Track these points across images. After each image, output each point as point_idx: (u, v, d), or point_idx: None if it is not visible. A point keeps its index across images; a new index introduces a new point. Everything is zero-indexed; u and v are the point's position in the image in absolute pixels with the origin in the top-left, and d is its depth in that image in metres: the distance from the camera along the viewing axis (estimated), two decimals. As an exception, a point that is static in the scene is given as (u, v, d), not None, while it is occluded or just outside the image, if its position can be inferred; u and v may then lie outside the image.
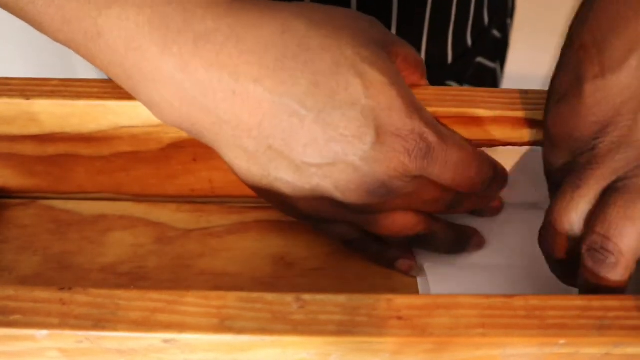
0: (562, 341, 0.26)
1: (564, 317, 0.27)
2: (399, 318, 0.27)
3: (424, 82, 0.37)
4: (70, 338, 0.27)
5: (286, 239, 0.39)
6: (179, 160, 0.38)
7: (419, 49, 0.54)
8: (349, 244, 0.37)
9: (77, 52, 0.32)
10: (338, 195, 0.31)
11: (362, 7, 0.50)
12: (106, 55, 0.31)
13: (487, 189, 0.34)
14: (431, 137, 0.31)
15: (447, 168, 0.32)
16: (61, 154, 0.38)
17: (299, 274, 0.38)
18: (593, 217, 0.30)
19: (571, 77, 0.31)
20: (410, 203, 0.33)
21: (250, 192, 0.40)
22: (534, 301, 0.27)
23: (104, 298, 0.27)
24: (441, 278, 0.37)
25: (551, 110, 0.32)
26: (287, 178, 0.31)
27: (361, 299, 0.27)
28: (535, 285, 0.36)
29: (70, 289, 0.27)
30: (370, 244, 0.37)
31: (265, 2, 0.31)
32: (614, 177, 0.30)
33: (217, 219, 0.40)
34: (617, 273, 0.30)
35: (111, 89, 0.36)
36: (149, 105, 0.32)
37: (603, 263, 0.30)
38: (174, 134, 0.37)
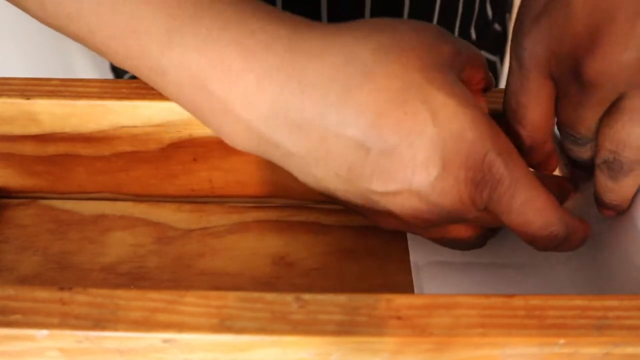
0: (561, 341, 0.26)
1: (563, 317, 0.27)
2: (399, 318, 0.27)
3: (487, 82, 0.34)
4: (70, 338, 0.27)
5: (286, 239, 0.39)
6: (179, 160, 0.38)
7: None
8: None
9: (143, 79, 0.32)
10: (402, 217, 0.31)
11: (375, 6, 0.50)
12: (173, 90, 0.31)
13: (551, 249, 0.31)
14: (501, 168, 0.29)
15: (512, 206, 0.30)
16: (61, 153, 0.38)
17: (299, 273, 0.38)
18: (601, 134, 0.31)
19: None
20: (473, 224, 0.33)
21: (250, 192, 0.40)
22: (534, 301, 0.27)
23: (104, 298, 0.27)
24: (436, 277, 0.37)
25: (529, 30, 0.31)
26: (353, 200, 0.31)
27: (361, 298, 0.27)
28: (533, 285, 0.36)
29: (70, 288, 0.27)
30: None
31: (329, 28, 0.31)
32: (615, 96, 0.29)
33: (217, 218, 0.40)
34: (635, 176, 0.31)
35: (111, 88, 0.36)
36: (220, 135, 0.32)
37: (619, 172, 0.31)
38: (174, 134, 0.37)
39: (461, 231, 0.34)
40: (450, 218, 0.31)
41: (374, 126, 0.29)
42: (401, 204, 0.30)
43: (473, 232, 0.34)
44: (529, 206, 0.30)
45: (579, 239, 0.32)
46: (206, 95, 0.30)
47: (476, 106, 0.30)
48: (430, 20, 0.53)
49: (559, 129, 0.33)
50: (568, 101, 0.31)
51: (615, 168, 0.31)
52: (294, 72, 0.29)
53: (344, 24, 0.31)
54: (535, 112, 0.32)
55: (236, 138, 0.31)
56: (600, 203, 0.34)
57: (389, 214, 0.31)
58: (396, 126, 0.29)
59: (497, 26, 0.62)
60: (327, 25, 0.31)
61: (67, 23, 0.32)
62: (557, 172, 0.37)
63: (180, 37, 0.30)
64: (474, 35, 0.58)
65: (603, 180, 0.32)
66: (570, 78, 0.30)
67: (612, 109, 0.30)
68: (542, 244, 0.31)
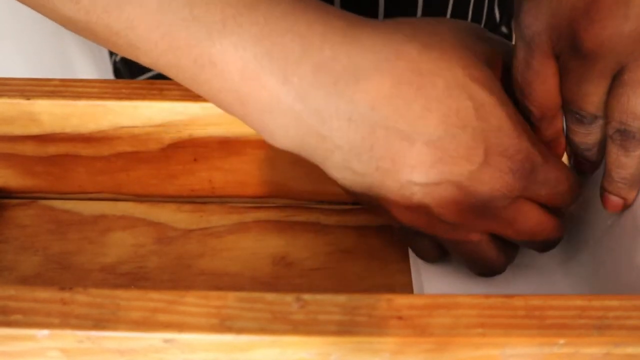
0: (561, 341, 0.26)
1: (563, 317, 0.27)
2: (399, 318, 0.27)
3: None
4: (70, 338, 0.27)
5: (286, 239, 0.39)
6: (179, 160, 0.38)
7: None
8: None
9: (177, 76, 0.31)
10: (436, 211, 0.31)
11: (388, 11, 0.50)
12: (217, 82, 0.31)
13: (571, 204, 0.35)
14: (536, 157, 0.31)
15: (545, 185, 0.32)
16: (61, 154, 0.38)
17: (299, 273, 0.38)
18: (609, 107, 0.31)
19: None
20: (501, 230, 0.33)
21: (250, 192, 0.40)
22: (534, 301, 0.27)
23: (104, 298, 0.27)
24: (436, 277, 0.37)
25: (528, 7, 0.32)
26: (388, 195, 0.31)
27: (361, 298, 0.27)
28: (533, 285, 0.36)
29: (70, 288, 0.27)
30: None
31: (380, 25, 0.31)
32: (617, 67, 0.30)
33: (217, 219, 0.40)
34: None
35: (111, 89, 0.36)
36: (261, 131, 0.32)
37: (632, 141, 0.31)
38: (174, 134, 0.37)
39: (485, 248, 0.34)
40: (483, 210, 0.32)
41: (422, 118, 0.30)
42: (439, 196, 0.31)
43: (496, 252, 0.34)
44: (559, 181, 0.33)
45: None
46: (257, 86, 0.30)
47: (511, 103, 0.32)
48: None
49: (564, 109, 0.33)
50: (571, 76, 0.32)
51: (628, 137, 0.31)
52: (349, 64, 0.30)
53: (391, 22, 0.32)
54: (541, 88, 0.32)
55: (280, 133, 0.31)
56: (608, 185, 0.33)
57: (422, 208, 0.32)
58: (442, 120, 0.30)
59: (504, 29, 0.62)
60: (376, 21, 0.32)
61: (102, 16, 0.30)
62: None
63: (237, 25, 0.30)
64: None
65: (615, 153, 0.32)
66: (571, 52, 0.31)
67: (616, 82, 0.31)
68: (568, 203, 0.34)
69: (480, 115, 0.30)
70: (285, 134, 0.31)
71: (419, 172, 0.30)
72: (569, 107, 0.33)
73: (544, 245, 0.35)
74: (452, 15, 0.54)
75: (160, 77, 0.36)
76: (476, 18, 0.56)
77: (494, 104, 0.31)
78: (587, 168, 0.35)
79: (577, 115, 0.33)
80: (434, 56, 0.31)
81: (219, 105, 0.32)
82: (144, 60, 0.31)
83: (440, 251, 0.36)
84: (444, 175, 0.30)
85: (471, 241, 0.33)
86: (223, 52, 0.30)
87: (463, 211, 0.31)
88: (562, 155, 0.36)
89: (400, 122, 0.30)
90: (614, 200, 0.34)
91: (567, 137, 0.34)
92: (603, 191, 0.34)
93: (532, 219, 0.33)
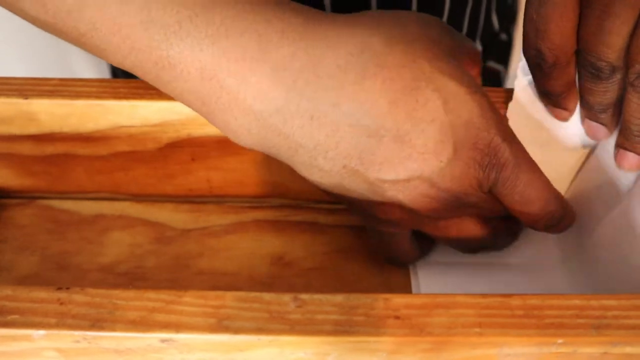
0: (560, 340, 0.26)
1: (561, 317, 0.27)
2: (397, 317, 0.27)
3: (478, 71, 0.35)
4: (67, 338, 0.27)
5: (284, 239, 0.39)
6: (177, 160, 0.38)
7: None
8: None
9: (144, 77, 0.31)
10: (410, 206, 0.31)
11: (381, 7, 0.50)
12: (178, 84, 0.30)
13: (550, 227, 0.33)
14: (506, 153, 0.30)
15: (515, 188, 0.31)
16: (60, 153, 0.38)
17: (297, 273, 0.38)
18: (633, 47, 0.30)
19: None
20: (481, 214, 0.33)
21: (248, 192, 0.40)
22: (532, 300, 0.27)
23: (102, 298, 0.27)
24: (434, 276, 0.37)
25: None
26: (359, 190, 0.31)
27: (358, 298, 0.27)
28: (531, 285, 0.36)
29: (68, 288, 0.27)
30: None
31: (340, 18, 0.31)
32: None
33: (215, 218, 0.40)
34: None
35: (110, 88, 0.36)
36: (224, 131, 0.31)
37: None
38: (172, 134, 0.37)
39: (469, 227, 0.34)
40: (458, 204, 0.31)
41: (388, 113, 0.29)
42: (411, 192, 0.30)
43: (481, 228, 0.34)
44: (531, 186, 0.31)
45: (571, 218, 0.34)
46: (216, 87, 0.30)
47: (483, 94, 0.31)
48: None
49: (579, 64, 0.32)
50: (592, 12, 0.30)
51: None
52: (309, 61, 0.29)
53: (352, 15, 0.31)
54: (558, 25, 0.31)
55: (243, 132, 0.31)
56: (625, 141, 0.32)
57: (396, 205, 0.31)
58: (409, 114, 0.29)
59: (503, 35, 0.62)
60: (336, 15, 0.31)
61: (67, 19, 0.31)
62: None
63: (193, 26, 0.29)
64: (480, 47, 0.58)
65: (635, 103, 0.31)
66: None
67: None
68: (542, 223, 0.33)
69: (448, 108, 0.29)
70: (248, 133, 0.31)
71: (388, 169, 0.30)
72: (586, 56, 0.31)
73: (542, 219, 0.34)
74: (448, 22, 0.53)
75: None
76: (473, 25, 0.56)
77: (464, 95, 0.30)
78: (600, 133, 0.34)
79: (593, 69, 0.31)
80: (399, 48, 0.30)
81: (186, 104, 0.32)
82: (112, 60, 0.31)
83: (418, 250, 0.36)
84: (414, 172, 0.30)
85: (452, 227, 0.33)
86: (181, 53, 0.29)
87: (437, 206, 0.31)
88: (574, 110, 0.34)
89: (365, 118, 0.29)
90: (631, 158, 0.33)
91: (582, 99, 0.33)
92: (618, 149, 0.33)
93: (516, 201, 0.32)
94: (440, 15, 0.53)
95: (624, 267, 0.33)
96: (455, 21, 0.54)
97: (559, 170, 0.37)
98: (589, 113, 0.33)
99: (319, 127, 0.30)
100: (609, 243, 0.34)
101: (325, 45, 0.30)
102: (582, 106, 0.34)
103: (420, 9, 0.51)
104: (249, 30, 0.29)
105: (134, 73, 0.32)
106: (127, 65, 0.31)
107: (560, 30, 0.31)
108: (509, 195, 0.31)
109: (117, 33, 0.30)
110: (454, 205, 0.31)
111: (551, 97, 0.34)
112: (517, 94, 0.35)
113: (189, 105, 0.32)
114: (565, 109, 0.34)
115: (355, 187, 0.31)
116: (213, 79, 0.30)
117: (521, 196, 0.31)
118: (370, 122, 0.29)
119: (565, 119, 0.35)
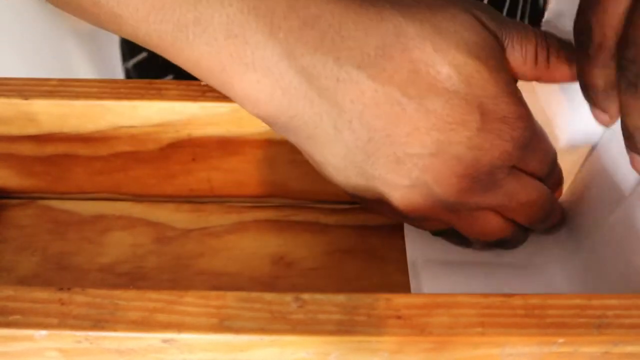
0: (561, 340, 0.26)
1: (563, 316, 0.27)
2: (398, 317, 0.27)
3: (543, 52, 0.32)
4: (69, 338, 0.27)
5: (285, 239, 0.39)
6: (178, 160, 0.38)
7: None
8: (436, 234, 0.37)
9: (158, 46, 0.30)
10: (437, 189, 0.31)
11: None
12: (198, 46, 0.30)
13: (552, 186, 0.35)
14: (535, 125, 0.31)
15: (540, 156, 0.32)
16: (60, 154, 0.38)
17: (298, 273, 0.38)
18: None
19: None
20: (503, 204, 0.33)
21: (249, 192, 0.40)
22: (533, 300, 0.27)
23: (103, 298, 0.27)
24: (434, 276, 0.37)
25: None
26: (384, 175, 0.30)
27: (360, 298, 0.27)
28: (533, 284, 0.36)
29: (69, 289, 0.27)
30: (454, 240, 0.37)
31: None
32: None
33: (216, 218, 0.40)
34: None
35: (110, 89, 0.36)
36: (242, 98, 0.31)
37: None
38: (172, 134, 0.37)
39: (494, 220, 0.33)
40: (485, 183, 0.31)
41: (410, 82, 0.29)
42: (438, 170, 0.30)
43: (504, 223, 0.34)
44: (548, 152, 0.33)
45: (560, 215, 0.36)
46: (240, 44, 0.29)
47: (507, 72, 0.30)
48: None
49: (620, 62, 0.28)
50: None
51: None
52: (334, 22, 0.29)
53: None
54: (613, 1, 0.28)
55: (263, 98, 0.30)
56: None
57: (421, 188, 0.31)
58: (432, 84, 0.29)
59: None
60: None
61: None
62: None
63: None
64: None
65: None
66: None
67: None
68: (557, 183, 0.35)
69: (473, 82, 0.29)
70: (270, 98, 0.30)
71: (414, 140, 0.29)
72: (628, 49, 0.28)
73: (547, 218, 0.34)
74: None
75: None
76: None
77: (488, 73, 0.29)
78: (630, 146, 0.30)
79: (632, 74, 0.27)
80: (419, 18, 0.29)
81: (198, 73, 0.31)
82: (125, 30, 0.30)
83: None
84: (441, 145, 0.29)
85: (478, 218, 0.33)
86: (208, 8, 0.29)
87: (465, 185, 0.30)
88: (615, 117, 0.31)
89: (388, 85, 0.29)
90: None
91: (621, 122, 0.29)
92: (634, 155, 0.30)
93: (532, 190, 0.32)
94: None
95: (624, 267, 0.33)
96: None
97: None
98: (630, 142, 0.29)
99: (344, 90, 0.29)
100: (611, 242, 0.34)
101: (350, 9, 0.29)
102: (622, 129, 0.30)
103: None
104: None
105: (147, 43, 0.31)
106: (141, 32, 0.30)
107: (613, 9, 0.28)
108: (534, 163, 0.32)
109: None
110: (480, 185, 0.31)
111: (592, 93, 0.31)
112: None
113: (203, 76, 0.31)
114: (606, 111, 0.31)
115: (380, 170, 0.30)
116: (239, 36, 0.29)
117: (542, 162, 0.32)
118: (393, 89, 0.29)
119: (605, 124, 0.32)
